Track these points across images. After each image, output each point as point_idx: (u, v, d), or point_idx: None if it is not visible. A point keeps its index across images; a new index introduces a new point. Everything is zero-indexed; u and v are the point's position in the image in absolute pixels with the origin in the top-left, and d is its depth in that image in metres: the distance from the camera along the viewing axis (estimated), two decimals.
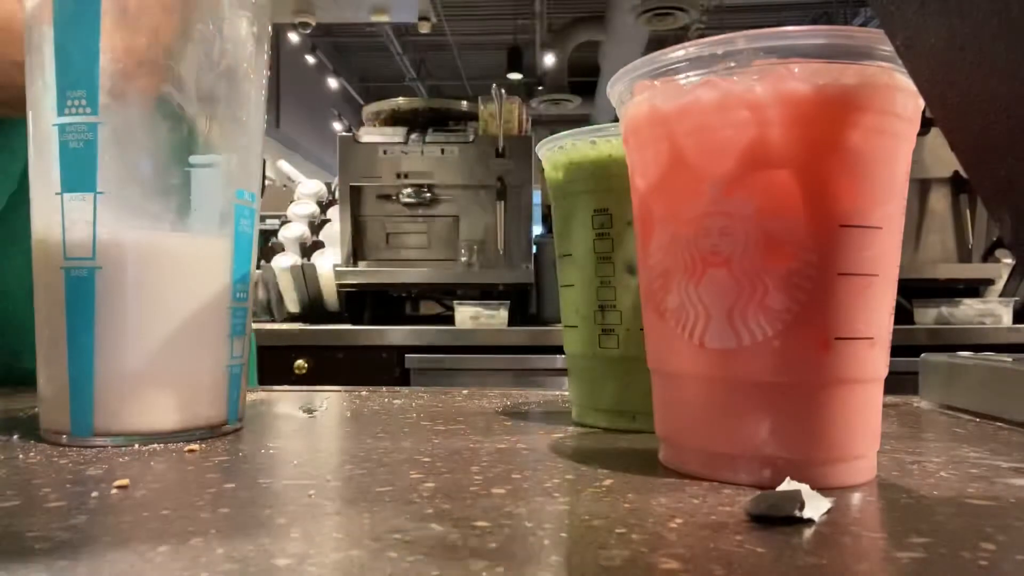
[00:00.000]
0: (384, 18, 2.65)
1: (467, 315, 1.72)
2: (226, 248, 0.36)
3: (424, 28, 3.04)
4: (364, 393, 0.52)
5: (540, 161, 0.43)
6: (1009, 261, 1.69)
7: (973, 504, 0.24)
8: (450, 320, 1.76)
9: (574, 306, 0.41)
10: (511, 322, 1.73)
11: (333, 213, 1.98)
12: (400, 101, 1.85)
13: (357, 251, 1.81)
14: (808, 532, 0.21)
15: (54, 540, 0.20)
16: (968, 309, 1.64)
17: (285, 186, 2.40)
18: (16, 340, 0.55)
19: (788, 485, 0.24)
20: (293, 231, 1.92)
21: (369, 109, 1.89)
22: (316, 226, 2.00)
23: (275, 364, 1.67)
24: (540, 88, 5.04)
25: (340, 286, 1.80)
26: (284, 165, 2.42)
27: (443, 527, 0.21)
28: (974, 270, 1.68)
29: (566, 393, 0.48)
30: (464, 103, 1.87)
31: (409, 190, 1.77)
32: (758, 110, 0.26)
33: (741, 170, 0.26)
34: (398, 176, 1.76)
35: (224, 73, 0.35)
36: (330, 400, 0.49)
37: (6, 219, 0.55)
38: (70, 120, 0.33)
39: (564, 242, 0.42)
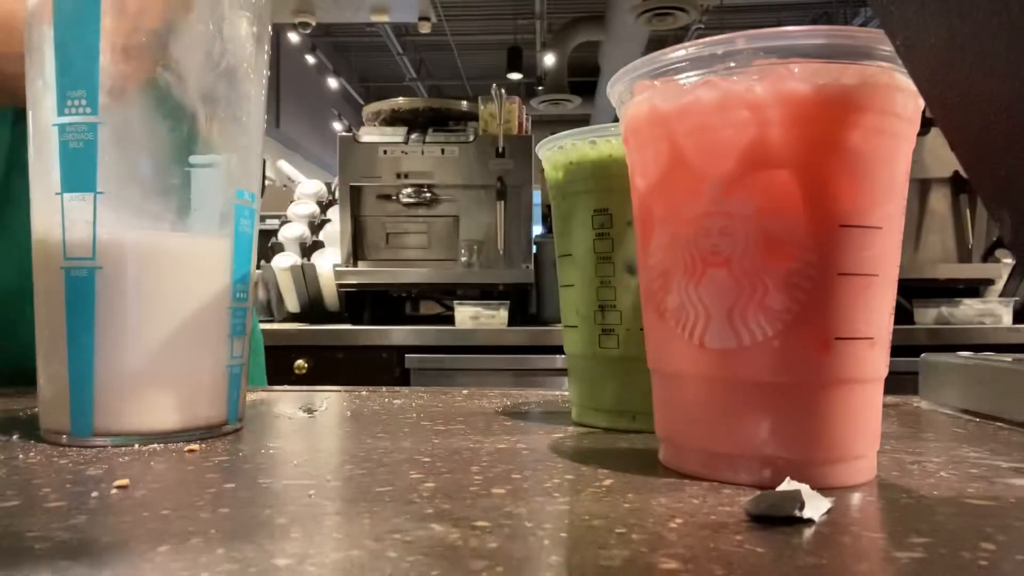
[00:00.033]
0: (384, 18, 2.65)
1: (467, 315, 1.72)
2: (226, 248, 0.36)
3: (424, 28, 3.04)
4: (364, 393, 0.52)
5: (540, 161, 0.43)
6: (1009, 261, 1.69)
7: (973, 504, 0.24)
8: (450, 320, 1.76)
9: (574, 306, 0.41)
10: (511, 322, 1.73)
11: (333, 213, 1.98)
12: (400, 101, 1.85)
13: (357, 251, 1.81)
14: (808, 532, 0.21)
15: (54, 540, 0.20)
16: (968, 309, 1.64)
17: (285, 186, 2.41)
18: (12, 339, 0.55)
19: (788, 485, 0.24)
20: (293, 231, 1.92)
21: (369, 109, 1.89)
22: (316, 226, 2.00)
23: (275, 364, 1.66)
24: (540, 88, 5.04)
25: (340, 286, 1.80)
26: (284, 165, 2.42)
27: (443, 527, 0.21)
28: (974, 270, 1.68)
29: (566, 393, 0.48)
30: (464, 103, 1.87)
31: (409, 190, 1.77)
32: (758, 110, 0.26)
33: (741, 170, 0.26)
34: (398, 176, 1.76)
35: (224, 73, 0.35)
36: (330, 400, 0.49)
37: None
38: (70, 120, 0.33)
39: (564, 242, 0.42)
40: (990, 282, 1.71)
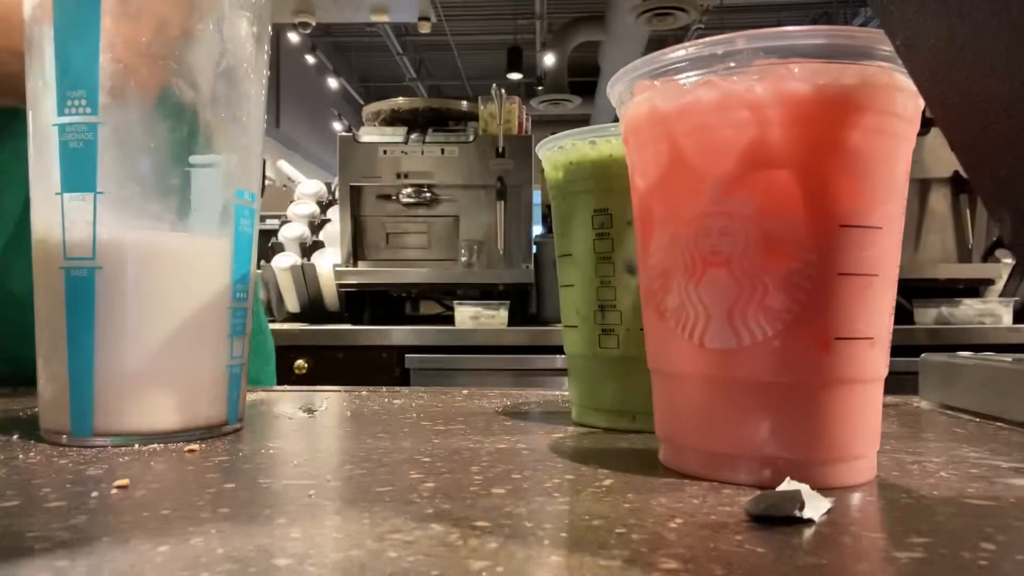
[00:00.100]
0: (384, 18, 2.65)
1: (467, 315, 1.72)
2: (226, 248, 0.36)
3: (424, 28, 3.04)
4: (364, 393, 0.52)
5: (540, 161, 0.43)
6: (1009, 261, 1.69)
7: (973, 504, 0.24)
8: (450, 320, 1.76)
9: (574, 306, 0.41)
10: (511, 322, 1.73)
11: (333, 213, 1.98)
12: (400, 101, 1.85)
13: (357, 251, 1.81)
14: (808, 532, 0.21)
15: (54, 540, 0.20)
16: (968, 309, 1.64)
17: (285, 186, 2.41)
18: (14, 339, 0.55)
19: (788, 485, 0.24)
20: (293, 231, 1.92)
21: (369, 109, 1.89)
22: (316, 226, 2.00)
23: (275, 364, 1.67)
24: (540, 88, 5.04)
25: (340, 286, 1.80)
26: (284, 165, 2.42)
27: (443, 527, 0.21)
28: (974, 270, 1.68)
29: (566, 393, 0.48)
30: (464, 103, 1.87)
31: (409, 190, 1.77)
32: (758, 110, 0.26)
33: (741, 170, 0.26)
34: (398, 176, 1.76)
35: (224, 73, 0.35)
36: (330, 400, 0.49)
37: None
38: (70, 120, 0.33)
39: (564, 242, 0.42)
40: (990, 282, 1.71)
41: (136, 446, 0.33)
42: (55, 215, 0.33)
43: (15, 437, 0.35)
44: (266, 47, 0.38)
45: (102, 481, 0.26)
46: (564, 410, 0.45)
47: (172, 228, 0.34)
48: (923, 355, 0.50)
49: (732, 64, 0.27)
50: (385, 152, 1.76)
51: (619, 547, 0.20)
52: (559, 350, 1.45)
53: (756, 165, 0.26)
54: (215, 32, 0.35)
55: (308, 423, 0.40)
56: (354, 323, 1.81)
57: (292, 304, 1.89)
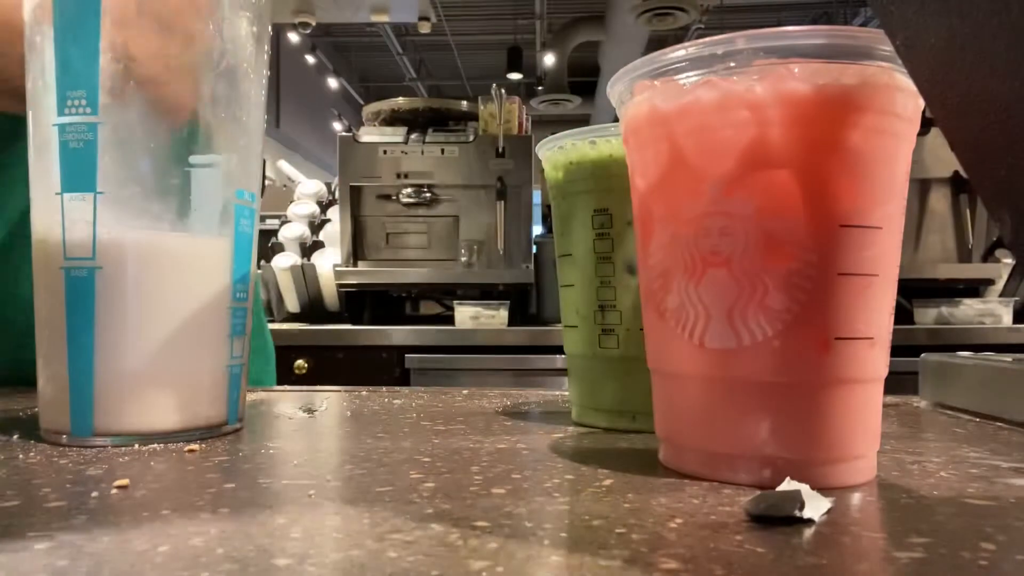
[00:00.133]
0: (384, 18, 2.65)
1: (467, 315, 1.72)
2: (226, 248, 0.36)
3: (424, 28, 3.04)
4: (364, 393, 0.52)
5: (540, 161, 0.43)
6: (1009, 261, 1.69)
7: (973, 504, 0.24)
8: (450, 320, 1.76)
9: (574, 306, 0.41)
10: (511, 322, 1.73)
11: (333, 213, 1.98)
12: (400, 101, 1.85)
13: (357, 251, 1.81)
14: (808, 532, 0.21)
15: (54, 540, 0.20)
16: (968, 309, 1.64)
17: (285, 186, 2.41)
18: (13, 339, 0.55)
19: (788, 485, 0.24)
20: (293, 231, 1.92)
21: (369, 109, 1.89)
22: (316, 226, 2.00)
23: (276, 364, 1.67)
24: (540, 88, 5.04)
25: (340, 286, 1.80)
26: (284, 165, 2.42)
27: (443, 527, 0.21)
28: (974, 270, 1.68)
29: (566, 393, 0.48)
30: (464, 103, 1.87)
31: (409, 190, 1.77)
32: (758, 110, 0.26)
33: (741, 170, 0.26)
34: (398, 176, 1.76)
35: (224, 73, 0.35)
36: (330, 400, 0.49)
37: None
38: (70, 120, 0.33)
39: (564, 242, 0.42)
40: (990, 282, 1.71)
41: (136, 446, 0.33)
42: (55, 215, 0.33)
43: (15, 437, 0.35)
44: (266, 47, 0.38)
45: (102, 481, 0.26)
46: (564, 410, 0.45)
47: (172, 228, 0.34)
48: (923, 355, 0.50)
49: (732, 64, 0.27)
50: (385, 152, 1.76)
51: (619, 547, 0.20)
52: (559, 350, 1.45)
53: (756, 165, 0.26)
54: (215, 32, 0.35)
55: (308, 423, 0.40)
56: (354, 323, 1.82)
57: (292, 304, 1.89)
